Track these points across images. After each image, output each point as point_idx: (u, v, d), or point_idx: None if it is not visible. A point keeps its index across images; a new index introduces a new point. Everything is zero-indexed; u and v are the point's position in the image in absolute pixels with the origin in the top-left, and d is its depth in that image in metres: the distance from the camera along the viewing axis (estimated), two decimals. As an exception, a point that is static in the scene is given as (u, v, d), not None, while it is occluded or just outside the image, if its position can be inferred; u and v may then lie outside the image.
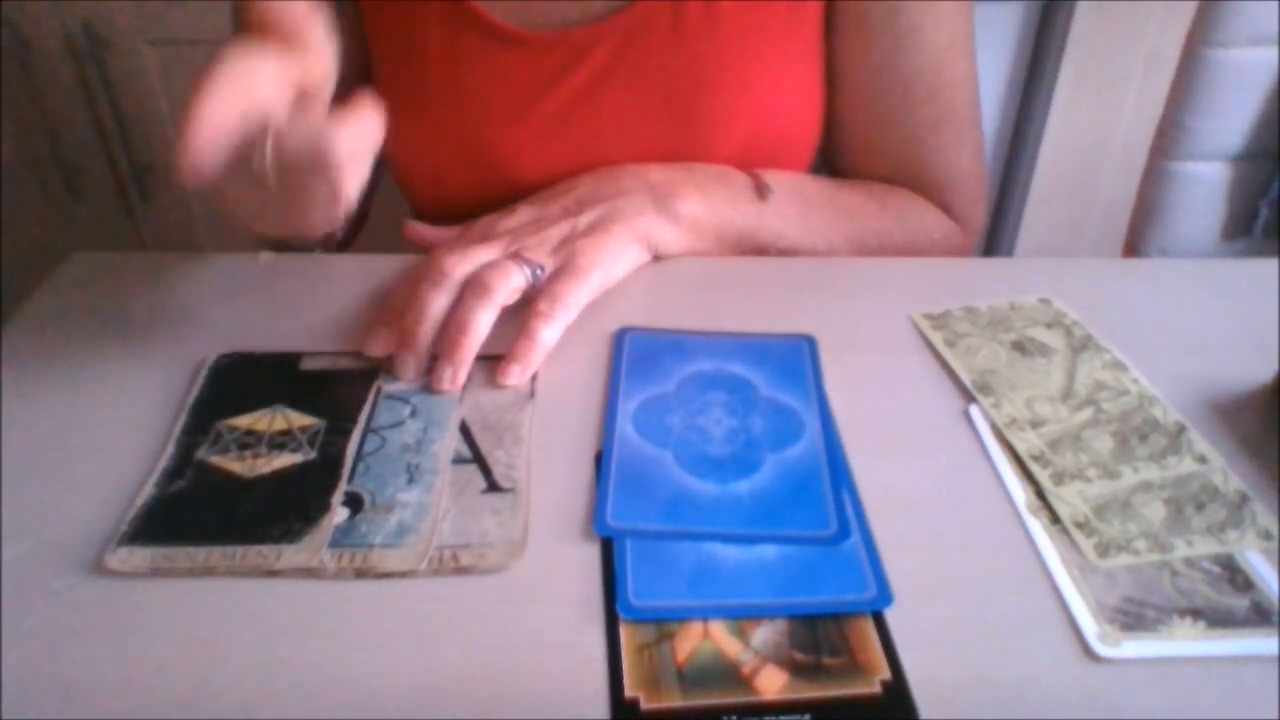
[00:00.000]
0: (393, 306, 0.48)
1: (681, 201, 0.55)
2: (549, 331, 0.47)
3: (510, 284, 0.47)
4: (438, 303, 0.47)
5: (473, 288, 0.47)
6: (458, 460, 0.42)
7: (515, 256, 0.49)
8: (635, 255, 0.54)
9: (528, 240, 0.51)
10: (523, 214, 0.54)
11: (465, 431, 0.44)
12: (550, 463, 0.42)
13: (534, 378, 0.47)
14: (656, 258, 0.56)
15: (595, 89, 0.59)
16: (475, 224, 0.54)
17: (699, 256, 0.57)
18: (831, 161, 0.67)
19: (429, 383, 0.46)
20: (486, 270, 0.47)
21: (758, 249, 0.59)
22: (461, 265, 0.48)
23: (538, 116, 0.60)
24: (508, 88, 0.60)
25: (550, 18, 0.59)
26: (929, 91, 0.61)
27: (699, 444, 0.43)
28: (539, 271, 0.49)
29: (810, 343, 0.50)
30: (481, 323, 0.46)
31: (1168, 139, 0.74)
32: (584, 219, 0.53)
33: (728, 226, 0.57)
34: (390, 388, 0.46)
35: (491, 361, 0.47)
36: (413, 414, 0.44)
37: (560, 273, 0.49)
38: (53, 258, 0.56)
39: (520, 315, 0.48)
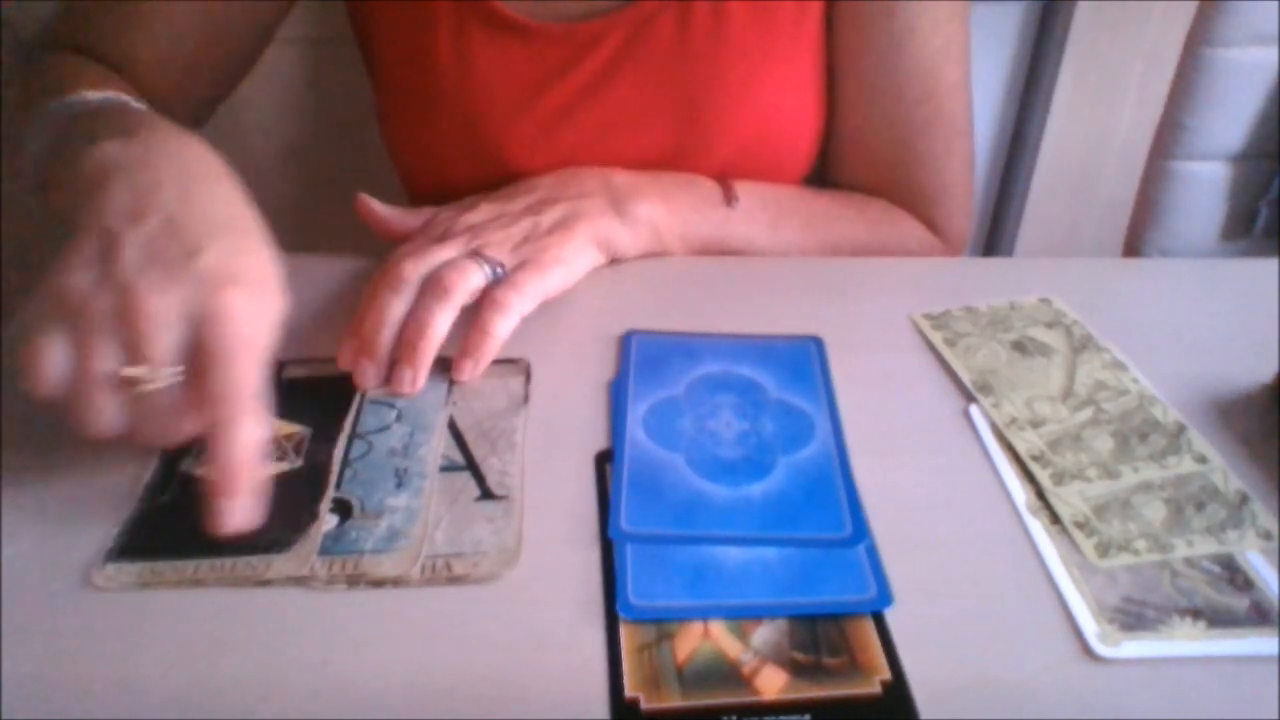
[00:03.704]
0: (356, 316, 0.48)
1: (640, 204, 0.55)
2: (504, 323, 0.46)
3: (469, 283, 0.46)
4: (395, 308, 0.46)
5: (431, 289, 0.46)
6: (451, 468, 0.41)
7: (475, 255, 0.48)
8: (593, 257, 0.54)
9: (489, 237, 0.50)
10: (483, 210, 0.53)
11: (458, 438, 0.43)
12: (551, 463, 0.42)
13: (527, 382, 0.46)
14: (613, 261, 0.55)
15: (600, 83, 0.59)
16: (435, 218, 0.53)
17: (662, 256, 0.57)
18: (821, 164, 0.67)
19: (388, 388, 0.45)
20: (445, 270, 0.46)
21: (728, 254, 0.59)
22: (418, 268, 0.47)
23: (542, 109, 0.60)
24: (513, 80, 0.59)
25: (557, 10, 0.59)
26: (922, 93, 0.61)
27: (710, 447, 0.43)
28: (499, 270, 0.48)
29: (818, 344, 0.49)
30: (440, 324, 0.45)
31: (1168, 139, 0.74)
32: (547, 217, 0.52)
33: (692, 231, 0.57)
34: (375, 392, 0.46)
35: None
36: (398, 418, 0.44)
37: (521, 265, 0.49)
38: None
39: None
